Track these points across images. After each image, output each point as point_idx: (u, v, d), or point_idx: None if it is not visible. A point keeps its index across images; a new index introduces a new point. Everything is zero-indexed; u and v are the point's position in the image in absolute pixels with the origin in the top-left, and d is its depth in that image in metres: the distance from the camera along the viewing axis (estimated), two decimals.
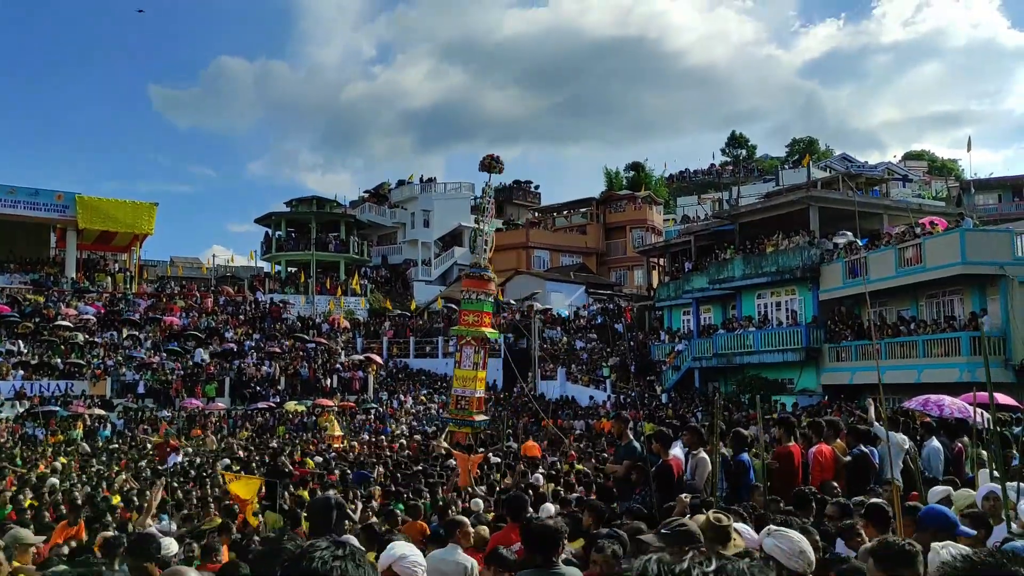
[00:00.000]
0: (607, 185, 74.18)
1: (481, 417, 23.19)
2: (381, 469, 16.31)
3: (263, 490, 12.23)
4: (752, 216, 35.46)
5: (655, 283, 45.65)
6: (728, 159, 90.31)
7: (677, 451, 8.51)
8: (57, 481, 16.38)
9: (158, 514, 11.28)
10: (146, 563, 4.60)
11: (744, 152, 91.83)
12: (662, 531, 3.67)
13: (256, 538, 8.57)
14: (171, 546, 6.22)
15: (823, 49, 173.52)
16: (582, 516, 7.00)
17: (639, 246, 52.67)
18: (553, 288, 49.18)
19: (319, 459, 19.35)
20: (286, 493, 12.98)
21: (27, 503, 13.36)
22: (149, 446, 25.00)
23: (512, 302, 47.06)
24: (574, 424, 31.82)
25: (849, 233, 30.20)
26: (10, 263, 42.98)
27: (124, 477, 17.97)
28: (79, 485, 16.00)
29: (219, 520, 10.16)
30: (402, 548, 4.06)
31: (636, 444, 8.79)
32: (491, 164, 23.61)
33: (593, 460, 16.60)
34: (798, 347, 30.19)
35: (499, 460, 16.76)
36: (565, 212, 64.50)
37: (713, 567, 1.18)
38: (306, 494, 13.47)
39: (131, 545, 4.81)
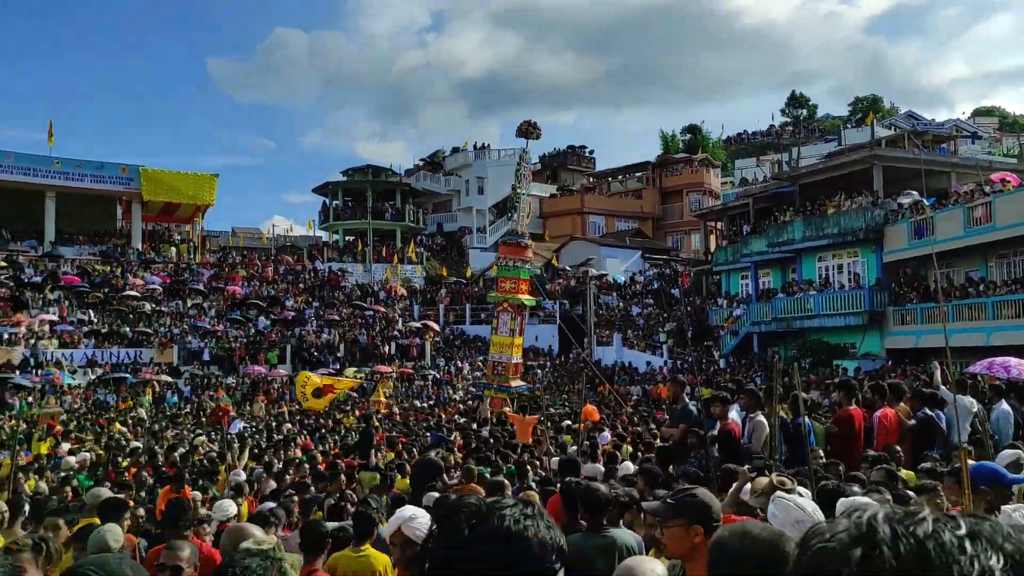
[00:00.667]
0: (663, 148, 73.04)
1: (518, 383, 23.19)
2: (458, 433, 16.38)
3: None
4: (813, 177, 34.61)
5: (712, 247, 45.03)
6: (788, 120, 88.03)
7: (733, 415, 8.40)
8: (141, 445, 16.91)
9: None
10: (184, 531, 4.64)
11: (804, 112, 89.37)
12: (667, 500, 3.32)
13: (352, 496, 8.74)
14: (229, 508, 6.38)
15: (888, 4, 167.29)
16: (635, 480, 6.96)
17: (696, 210, 51.92)
18: (608, 254, 48.87)
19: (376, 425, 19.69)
20: (378, 454, 13.30)
21: (124, 464, 13.83)
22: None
23: (567, 268, 46.93)
24: (631, 390, 31.76)
25: (915, 192, 29.26)
26: (79, 235, 44.35)
27: (203, 439, 18.41)
28: (159, 449, 16.39)
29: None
30: (412, 510, 4.03)
31: (692, 407, 8.69)
32: (528, 130, 23.54)
33: (651, 424, 16.50)
34: (861, 310, 29.52)
35: (568, 423, 16.83)
36: (620, 176, 63.82)
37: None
38: (392, 455, 13.80)
39: (164, 516, 4.87)
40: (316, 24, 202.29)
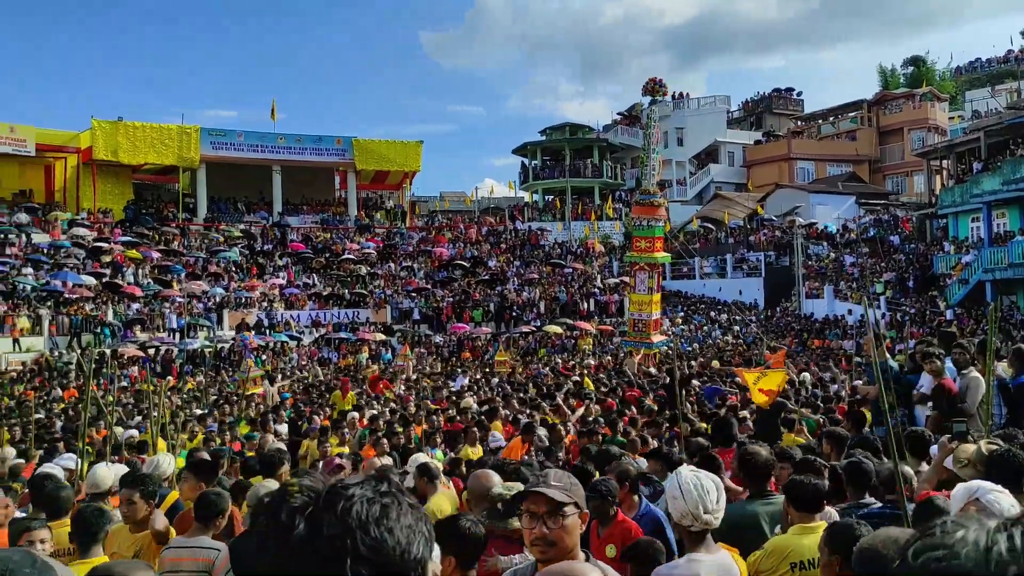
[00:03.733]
0: (882, 85, 67.44)
1: (659, 338, 23.75)
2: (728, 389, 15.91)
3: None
4: None
5: (938, 188, 41.19)
6: None
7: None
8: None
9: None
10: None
11: None
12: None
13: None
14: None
15: None
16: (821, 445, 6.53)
17: (919, 148, 47.62)
18: (818, 200, 46.07)
19: (577, 378, 19.80)
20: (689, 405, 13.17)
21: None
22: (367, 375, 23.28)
23: (773, 218, 44.77)
24: (843, 344, 29.98)
25: None
26: (303, 205, 47.98)
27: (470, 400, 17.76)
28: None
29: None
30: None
31: (892, 363, 8.00)
32: (654, 88, 23.81)
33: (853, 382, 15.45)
34: None
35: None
36: (832, 118, 59.76)
37: None
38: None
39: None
40: None
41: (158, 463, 6.07)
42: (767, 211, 46.27)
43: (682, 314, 37.25)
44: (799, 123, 61.99)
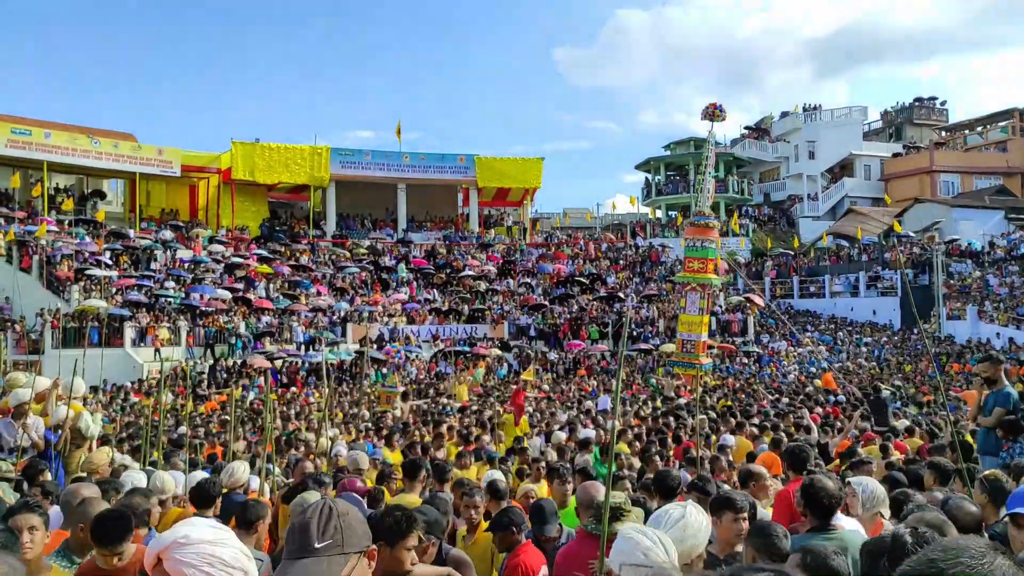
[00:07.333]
0: None
1: (707, 360, 24.05)
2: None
3: None
4: None
5: None
6: None
7: None
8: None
9: None
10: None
11: None
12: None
13: None
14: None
15: None
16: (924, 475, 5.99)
17: None
18: (962, 216, 43.19)
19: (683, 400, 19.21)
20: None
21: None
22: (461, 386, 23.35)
23: (910, 234, 42.29)
24: None
25: None
26: (427, 222, 49.09)
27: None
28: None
29: None
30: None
31: (1012, 391, 7.26)
32: (714, 113, 24.39)
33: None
34: None
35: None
36: (980, 128, 56.07)
37: None
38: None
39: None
40: (656, 1, 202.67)
41: (233, 470, 6.19)
42: (905, 227, 43.78)
43: (809, 334, 35.67)
44: (943, 134, 58.50)
